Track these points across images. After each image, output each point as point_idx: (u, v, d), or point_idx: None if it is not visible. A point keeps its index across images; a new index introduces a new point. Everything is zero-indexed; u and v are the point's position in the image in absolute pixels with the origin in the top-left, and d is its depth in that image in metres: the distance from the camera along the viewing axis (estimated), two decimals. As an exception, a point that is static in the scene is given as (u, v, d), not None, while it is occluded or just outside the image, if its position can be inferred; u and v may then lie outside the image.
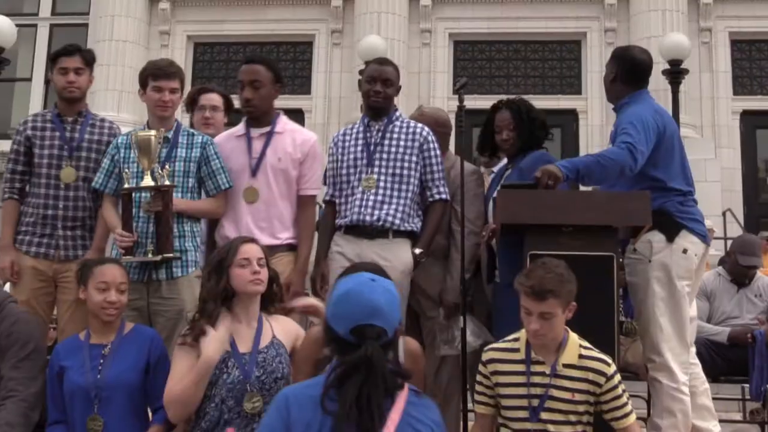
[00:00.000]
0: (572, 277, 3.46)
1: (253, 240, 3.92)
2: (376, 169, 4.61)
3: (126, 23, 16.05)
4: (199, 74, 16.40)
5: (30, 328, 3.97)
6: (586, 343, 3.49)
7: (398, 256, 4.52)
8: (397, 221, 4.55)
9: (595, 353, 3.46)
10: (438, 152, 4.74)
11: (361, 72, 4.84)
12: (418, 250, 4.58)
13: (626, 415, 3.39)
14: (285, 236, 4.52)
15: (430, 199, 4.68)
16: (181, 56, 15.84)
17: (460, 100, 4.75)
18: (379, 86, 4.67)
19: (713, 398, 6.08)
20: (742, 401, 6.86)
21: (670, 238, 4.32)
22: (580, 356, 3.44)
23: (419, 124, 4.80)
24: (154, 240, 4.33)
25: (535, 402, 3.40)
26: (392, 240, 4.55)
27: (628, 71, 4.60)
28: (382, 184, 4.58)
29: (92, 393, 3.75)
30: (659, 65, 14.07)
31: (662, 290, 4.31)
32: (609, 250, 3.92)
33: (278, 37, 16.05)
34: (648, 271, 4.32)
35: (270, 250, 4.21)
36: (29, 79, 16.47)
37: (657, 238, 4.31)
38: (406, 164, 4.63)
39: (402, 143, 4.66)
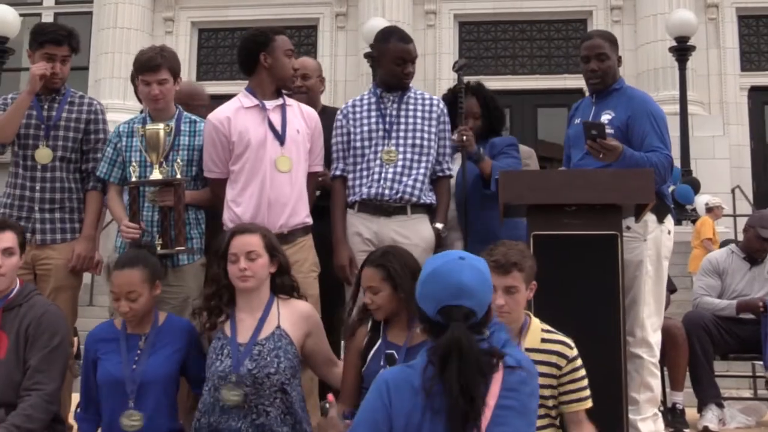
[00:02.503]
0: (532, 255, 3.49)
1: (246, 230, 3.76)
2: (394, 141, 4.46)
3: (130, 10, 16.06)
4: (204, 60, 16.42)
5: (58, 321, 3.87)
6: (548, 327, 3.46)
7: (418, 232, 4.37)
8: (417, 192, 4.40)
9: (558, 336, 3.43)
10: (450, 127, 4.62)
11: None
12: (440, 225, 4.43)
13: (579, 400, 3.34)
14: (305, 214, 4.29)
15: (440, 174, 4.55)
16: (186, 42, 15.87)
17: (459, 81, 4.71)
18: (411, 67, 4.55)
19: (724, 376, 6.11)
20: (753, 378, 6.87)
21: (660, 219, 4.41)
22: (543, 340, 3.41)
23: (435, 96, 4.69)
24: (160, 231, 4.21)
25: None
26: (410, 216, 4.39)
27: (619, 58, 4.63)
28: (401, 156, 4.44)
29: (128, 387, 3.66)
30: (666, 42, 14.02)
31: (652, 268, 4.38)
32: (613, 229, 3.89)
33: (282, 21, 15.96)
34: (643, 249, 4.36)
35: (292, 234, 4.15)
36: (35, 69, 16.48)
37: (651, 218, 4.36)
38: (426, 135, 4.49)
39: (420, 114, 4.52)
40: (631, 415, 4.10)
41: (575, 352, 3.38)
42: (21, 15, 13.23)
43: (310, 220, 4.31)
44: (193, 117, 4.43)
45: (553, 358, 3.36)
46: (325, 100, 4.80)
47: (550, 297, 3.75)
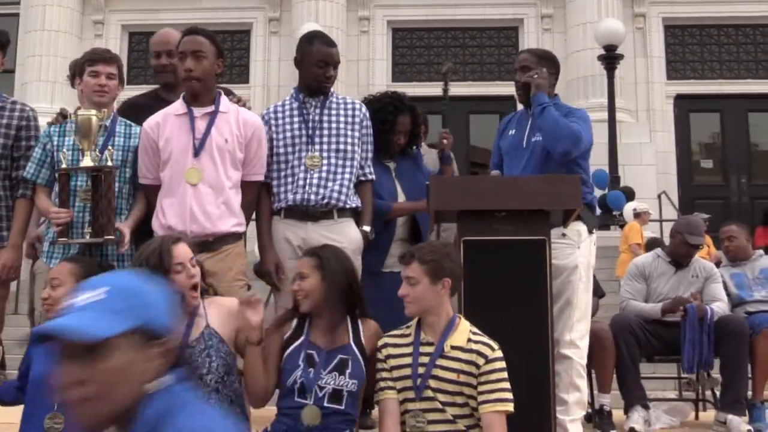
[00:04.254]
0: (448, 253, 3.59)
1: (179, 239, 3.69)
2: (317, 147, 4.45)
3: (58, 13, 15.77)
4: (134, 64, 16.18)
5: None
6: (477, 331, 3.56)
7: (347, 235, 4.38)
8: (343, 197, 4.41)
9: (484, 339, 3.52)
10: (372, 131, 4.68)
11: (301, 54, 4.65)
12: (367, 228, 4.49)
13: (495, 401, 3.40)
14: (232, 223, 4.21)
15: (362, 179, 4.58)
16: (116, 46, 15.61)
17: (446, 84, 4.79)
18: (331, 71, 4.53)
19: (649, 377, 6.24)
20: (678, 380, 7.02)
21: (590, 230, 4.60)
22: (469, 340, 3.51)
23: (357, 101, 4.72)
24: (90, 219, 4.10)
25: (420, 380, 3.49)
26: (337, 220, 4.41)
27: (557, 76, 4.84)
28: (325, 161, 4.43)
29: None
30: (595, 51, 14.27)
31: (585, 274, 4.53)
32: (541, 234, 3.96)
33: (215, 25, 15.78)
34: (577, 255, 4.50)
35: (218, 242, 4.11)
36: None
37: (582, 228, 4.54)
38: (349, 140, 4.50)
39: (343, 119, 4.52)
40: (559, 416, 4.20)
41: (497, 354, 3.46)
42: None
43: (239, 229, 4.25)
44: (129, 121, 4.38)
45: (474, 357, 3.46)
46: (259, 105, 4.76)
47: (481, 301, 3.82)
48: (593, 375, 5.37)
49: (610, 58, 13.83)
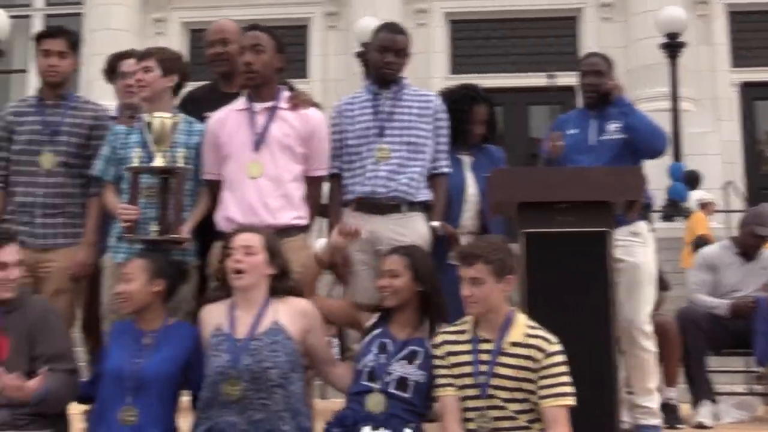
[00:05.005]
0: (508, 250, 3.57)
1: (247, 229, 3.82)
2: (387, 139, 4.39)
3: (121, 12, 16.02)
4: (195, 61, 16.27)
5: (58, 319, 3.89)
6: (534, 324, 3.53)
7: (415, 230, 4.30)
8: (412, 190, 4.34)
9: (541, 332, 3.48)
10: (448, 124, 4.59)
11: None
12: (436, 223, 4.39)
13: (555, 395, 3.38)
14: (293, 216, 4.21)
15: (435, 172, 4.49)
16: (177, 43, 15.80)
17: (552, 87, 5.11)
18: (391, 57, 4.45)
19: (717, 371, 6.12)
20: (747, 373, 6.88)
21: (652, 226, 4.87)
22: (526, 335, 3.47)
23: (431, 92, 4.66)
24: (158, 217, 4.15)
25: (482, 379, 3.47)
26: (406, 214, 4.33)
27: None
28: (395, 154, 4.36)
29: (128, 382, 3.68)
30: (656, 39, 14.03)
31: (653, 271, 4.73)
32: (604, 226, 3.90)
33: (274, 21, 15.86)
34: (646, 253, 4.67)
35: (279, 234, 4.09)
36: (25, 71, 16.41)
37: (647, 224, 4.76)
38: (420, 132, 4.42)
39: (415, 111, 4.45)
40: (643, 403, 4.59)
41: (556, 347, 3.43)
42: (11, 17, 13.22)
43: (299, 222, 4.24)
44: (190, 118, 4.42)
45: (532, 352, 3.43)
46: (317, 100, 4.72)
47: (542, 294, 3.78)
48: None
49: (673, 46, 13.58)
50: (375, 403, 3.60)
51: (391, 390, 3.61)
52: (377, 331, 3.78)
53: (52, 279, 4.41)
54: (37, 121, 4.55)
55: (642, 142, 4.70)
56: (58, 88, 4.62)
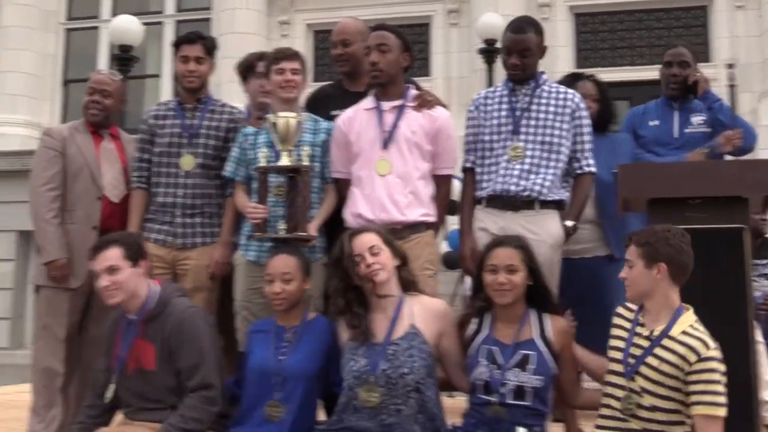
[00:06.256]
0: (670, 240, 3.42)
1: (362, 231, 3.83)
2: (522, 137, 4.30)
3: (246, 15, 16.39)
4: (320, 61, 16.60)
5: (196, 325, 3.82)
6: (699, 326, 3.40)
7: (546, 228, 4.22)
8: (545, 190, 4.23)
9: (701, 334, 3.34)
10: (590, 121, 4.47)
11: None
12: (569, 222, 4.28)
13: (704, 404, 3.24)
14: (421, 212, 4.27)
15: (578, 171, 4.38)
16: (302, 45, 16.09)
17: (731, 78, 5.05)
18: (515, 58, 4.37)
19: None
20: None
21: None
22: (684, 332, 3.35)
23: (570, 90, 4.50)
24: (286, 216, 4.26)
25: (632, 361, 3.41)
26: (539, 211, 4.24)
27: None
28: (529, 153, 4.27)
29: (273, 378, 3.76)
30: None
31: None
32: (740, 222, 3.75)
33: (396, 20, 15.99)
34: None
35: (406, 230, 4.17)
36: (158, 76, 17.03)
37: None
38: (556, 132, 4.30)
39: (552, 109, 4.34)
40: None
41: (712, 353, 3.28)
42: (144, 24, 13.72)
43: (427, 219, 4.29)
44: (315, 116, 4.53)
45: (684, 350, 3.30)
46: (440, 97, 4.72)
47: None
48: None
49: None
50: (495, 413, 3.56)
51: (509, 401, 3.55)
52: (482, 337, 3.71)
53: (189, 276, 4.58)
54: (177, 124, 4.74)
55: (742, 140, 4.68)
56: (196, 93, 4.82)
